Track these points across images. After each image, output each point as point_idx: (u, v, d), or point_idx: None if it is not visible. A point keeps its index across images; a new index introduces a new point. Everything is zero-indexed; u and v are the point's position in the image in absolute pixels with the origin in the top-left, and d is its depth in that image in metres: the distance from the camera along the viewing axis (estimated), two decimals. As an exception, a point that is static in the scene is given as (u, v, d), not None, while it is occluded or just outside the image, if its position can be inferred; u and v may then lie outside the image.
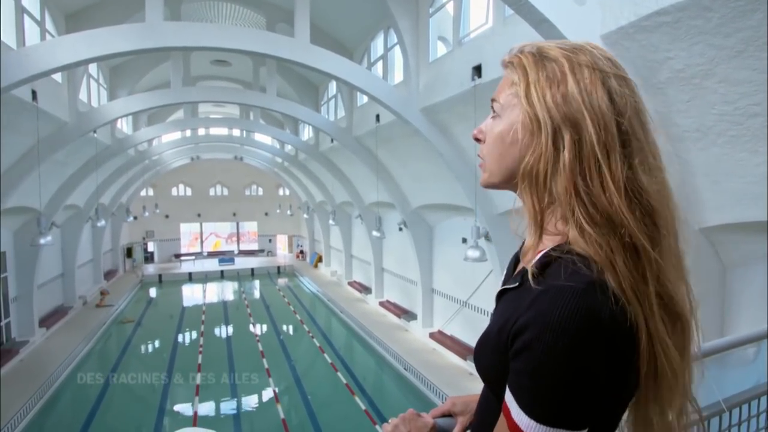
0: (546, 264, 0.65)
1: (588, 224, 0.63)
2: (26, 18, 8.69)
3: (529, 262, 0.68)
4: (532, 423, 0.61)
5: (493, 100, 0.77)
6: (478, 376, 0.78)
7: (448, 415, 1.03)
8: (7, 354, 11.36)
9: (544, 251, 0.67)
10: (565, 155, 0.65)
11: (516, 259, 0.87)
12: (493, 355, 0.70)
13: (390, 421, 0.98)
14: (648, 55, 4.27)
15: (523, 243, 0.87)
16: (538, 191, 0.69)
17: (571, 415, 0.60)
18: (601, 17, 4.42)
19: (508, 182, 0.76)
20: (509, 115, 0.73)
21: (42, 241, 9.79)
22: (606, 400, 0.63)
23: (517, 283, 0.70)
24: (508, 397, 0.65)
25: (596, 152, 0.64)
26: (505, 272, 0.89)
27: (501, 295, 0.76)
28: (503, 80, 0.77)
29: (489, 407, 0.78)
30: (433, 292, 13.43)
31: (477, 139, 0.81)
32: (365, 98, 12.04)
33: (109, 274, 22.06)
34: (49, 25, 9.88)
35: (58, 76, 10.18)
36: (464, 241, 11.22)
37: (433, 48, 9.19)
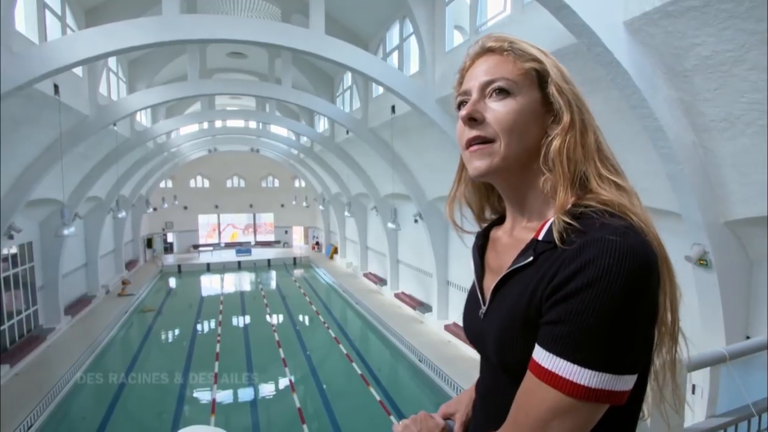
0: (573, 219, 0.66)
1: (611, 174, 0.71)
2: (48, 13, 8.85)
3: (541, 233, 0.70)
4: (575, 367, 0.58)
5: (491, 81, 0.75)
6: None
7: (446, 418, 1.01)
8: (35, 340, 11.80)
9: (568, 208, 0.68)
10: (589, 125, 0.74)
11: (480, 250, 0.88)
12: (526, 331, 0.67)
13: (401, 422, 0.96)
14: (674, 41, 4.11)
15: (485, 231, 0.91)
16: (570, 162, 0.71)
17: (616, 357, 0.59)
18: (624, 2, 4.27)
19: (522, 163, 0.75)
20: (528, 92, 0.75)
21: (66, 231, 10.06)
22: (649, 340, 0.63)
23: (530, 258, 0.69)
24: (540, 353, 0.62)
25: (593, 122, 0.76)
26: (474, 264, 0.89)
27: (507, 279, 0.73)
28: (497, 60, 0.77)
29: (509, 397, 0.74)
30: (449, 284, 13.39)
31: (473, 119, 0.75)
32: (381, 89, 11.95)
33: (130, 264, 22.60)
34: (69, 19, 10.05)
35: (78, 70, 10.37)
36: (480, 233, 11.12)
37: (450, 37, 9.04)
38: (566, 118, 0.73)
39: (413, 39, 10.20)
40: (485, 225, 0.92)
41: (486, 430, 0.85)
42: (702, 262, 5.08)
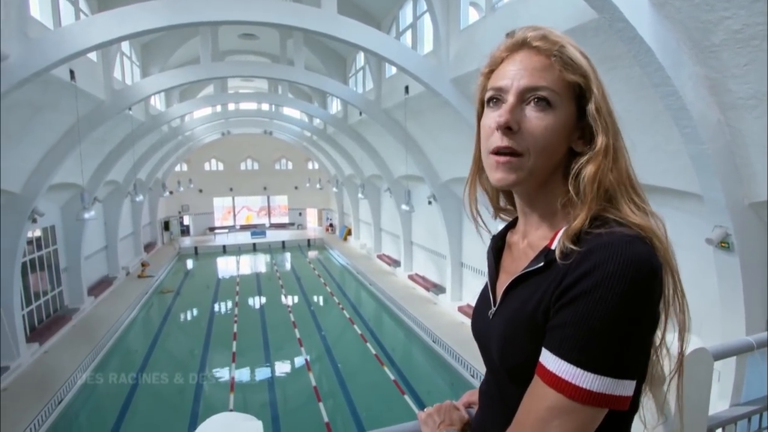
0: (581, 236, 0.66)
1: (644, 203, 0.70)
2: (61, -3, 8.86)
3: (554, 242, 0.69)
4: (576, 370, 0.59)
5: (533, 89, 0.69)
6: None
7: (468, 406, 1.02)
8: (61, 320, 12.25)
9: (581, 228, 0.67)
10: (621, 149, 0.71)
11: (496, 252, 0.88)
12: (530, 334, 0.67)
13: (425, 409, 0.97)
14: (701, 15, 3.94)
15: (501, 234, 0.90)
16: (600, 188, 0.69)
17: (617, 361, 0.59)
18: (650, -25, 4.09)
19: (544, 178, 0.73)
20: (566, 106, 0.71)
21: (86, 215, 10.29)
22: (647, 348, 0.64)
23: (542, 263, 0.69)
24: (545, 356, 0.63)
25: (624, 146, 0.73)
26: (488, 266, 0.89)
27: (519, 282, 0.73)
28: (541, 64, 0.70)
29: (507, 398, 0.76)
30: (462, 266, 13.40)
31: (508, 128, 0.70)
32: (394, 69, 11.78)
33: (148, 247, 23.12)
34: (82, 4, 10.05)
35: (93, 55, 10.42)
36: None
37: (465, 15, 8.81)
38: (601, 141, 0.69)
39: (427, 17, 9.96)
40: (499, 214, 0.92)
41: (482, 426, 0.87)
42: (724, 244, 4.96)
